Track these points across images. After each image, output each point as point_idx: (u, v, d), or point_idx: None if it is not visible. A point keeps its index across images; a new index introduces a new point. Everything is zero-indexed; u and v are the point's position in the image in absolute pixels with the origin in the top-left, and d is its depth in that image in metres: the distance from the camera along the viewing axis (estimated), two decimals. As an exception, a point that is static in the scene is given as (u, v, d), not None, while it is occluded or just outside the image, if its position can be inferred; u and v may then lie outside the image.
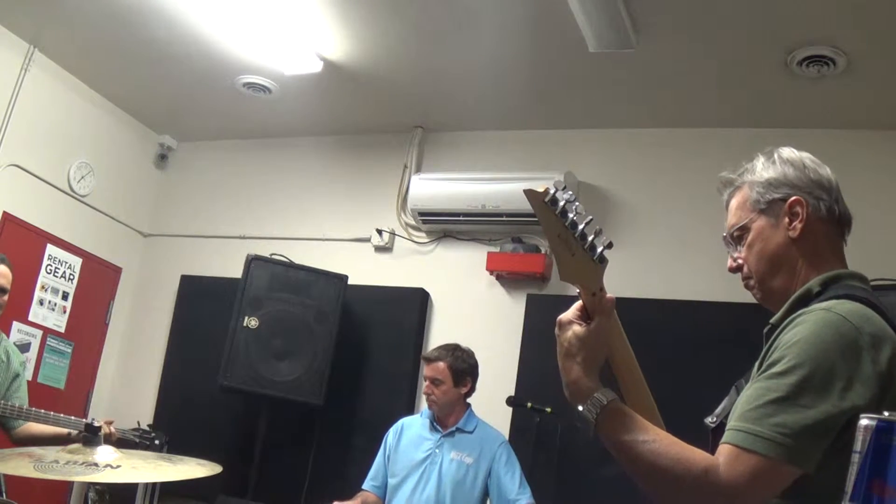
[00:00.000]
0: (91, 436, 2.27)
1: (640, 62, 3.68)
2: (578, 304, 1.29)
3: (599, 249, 1.21)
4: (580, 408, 1.24)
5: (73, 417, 3.00)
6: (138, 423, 3.40)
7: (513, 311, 4.27)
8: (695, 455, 1.16)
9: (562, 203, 1.17)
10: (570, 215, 1.18)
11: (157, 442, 3.26)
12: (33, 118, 4.43)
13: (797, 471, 1.13)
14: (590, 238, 1.20)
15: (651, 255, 4.10)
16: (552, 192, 1.17)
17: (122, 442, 3.08)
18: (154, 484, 4.07)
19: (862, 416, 0.84)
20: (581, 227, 1.19)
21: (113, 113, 4.99)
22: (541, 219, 1.19)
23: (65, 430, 2.98)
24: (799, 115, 3.87)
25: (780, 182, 1.40)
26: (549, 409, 3.59)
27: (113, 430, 2.96)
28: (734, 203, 1.46)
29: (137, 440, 3.23)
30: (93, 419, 2.92)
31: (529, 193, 1.17)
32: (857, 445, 0.82)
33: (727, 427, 1.19)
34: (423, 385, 3.43)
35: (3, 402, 2.96)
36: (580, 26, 3.33)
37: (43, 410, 2.97)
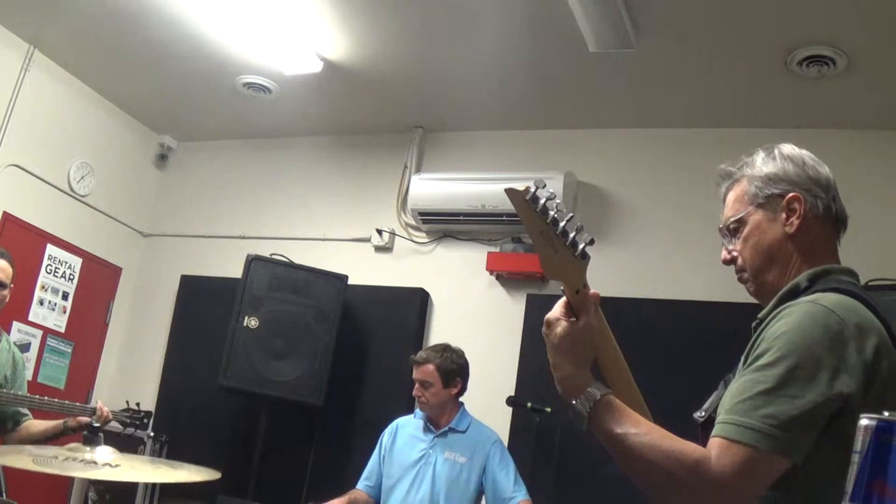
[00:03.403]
0: (91, 436, 2.27)
1: (640, 62, 3.68)
2: (563, 301, 1.30)
3: (581, 246, 1.22)
4: (573, 402, 1.25)
5: (77, 403, 3.02)
6: (127, 402, 3.31)
7: (513, 311, 4.27)
8: (687, 448, 1.17)
9: (542, 201, 1.18)
10: (551, 213, 1.19)
11: (145, 421, 3.24)
12: (33, 118, 4.42)
13: (787, 462, 1.13)
14: (571, 235, 1.21)
15: (651, 255, 4.09)
16: (533, 190, 1.18)
17: (113, 435, 3.07)
18: (154, 484, 4.06)
19: (862, 416, 0.83)
20: (562, 224, 1.20)
21: (113, 113, 4.99)
22: (522, 217, 1.20)
23: (60, 424, 2.99)
24: (799, 115, 3.87)
25: (779, 178, 1.40)
26: (549, 409, 3.59)
27: (106, 410, 2.97)
28: (731, 196, 1.47)
29: (128, 421, 3.20)
30: (92, 408, 2.95)
31: (510, 192, 1.18)
32: (857, 445, 0.82)
33: (717, 420, 1.20)
34: (414, 388, 3.39)
35: (10, 391, 2.95)
36: (580, 26, 3.33)
37: (47, 398, 2.98)
